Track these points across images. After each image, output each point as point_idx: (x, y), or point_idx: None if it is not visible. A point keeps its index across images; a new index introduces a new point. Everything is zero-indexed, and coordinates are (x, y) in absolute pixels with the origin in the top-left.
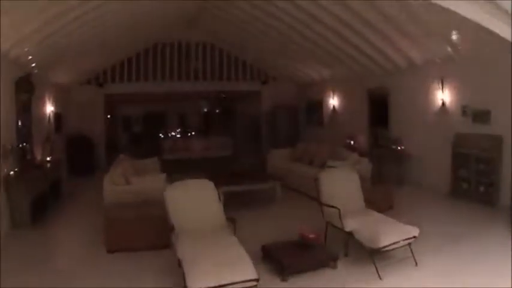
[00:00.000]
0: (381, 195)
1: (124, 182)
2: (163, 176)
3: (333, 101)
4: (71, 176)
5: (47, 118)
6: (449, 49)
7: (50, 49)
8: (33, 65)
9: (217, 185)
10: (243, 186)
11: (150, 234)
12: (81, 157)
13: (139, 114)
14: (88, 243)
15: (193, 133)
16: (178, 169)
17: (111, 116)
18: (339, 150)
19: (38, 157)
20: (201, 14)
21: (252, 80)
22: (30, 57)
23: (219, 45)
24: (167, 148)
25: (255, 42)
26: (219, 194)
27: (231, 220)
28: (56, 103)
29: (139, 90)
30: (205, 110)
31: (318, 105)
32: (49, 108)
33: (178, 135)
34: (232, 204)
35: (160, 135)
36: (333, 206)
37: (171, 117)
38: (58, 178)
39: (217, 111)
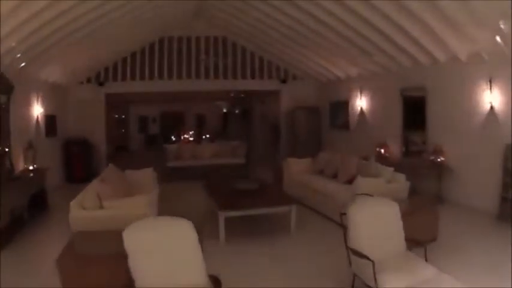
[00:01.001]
0: (422, 224)
1: (96, 205)
2: (145, 198)
3: (361, 102)
4: (67, 183)
5: (34, 121)
6: (500, 41)
7: (39, 45)
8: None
9: (218, 206)
10: (250, 211)
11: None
12: (79, 163)
13: (153, 114)
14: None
15: (207, 136)
16: (178, 180)
17: (118, 117)
18: (369, 164)
19: (19, 166)
20: (211, 4)
21: (270, 78)
22: (18, 55)
23: (233, 39)
24: (172, 154)
25: (273, 35)
26: (200, 240)
27: (215, 281)
28: (48, 104)
29: (145, 90)
30: (225, 110)
31: (343, 106)
32: (38, 110)
33: (191, 138)
34: (234, 234)
35: (173, 138)
36: (364, 256)
37: (188, 118)
38: (42, 189)
39: (236, 111)
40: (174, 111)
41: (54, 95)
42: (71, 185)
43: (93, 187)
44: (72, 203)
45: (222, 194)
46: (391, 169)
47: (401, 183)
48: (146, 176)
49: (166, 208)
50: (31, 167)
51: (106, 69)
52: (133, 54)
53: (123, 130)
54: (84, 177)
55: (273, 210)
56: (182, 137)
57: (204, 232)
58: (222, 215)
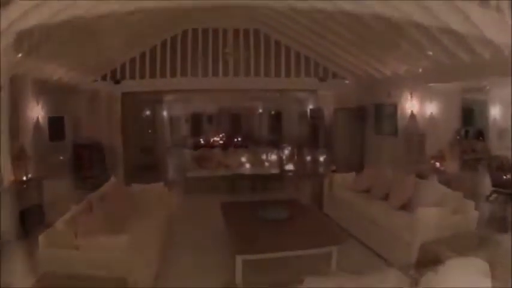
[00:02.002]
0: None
1: (70, 242)
2: (124, 238)
3: (411, 105)
4: (77, 192)
5: (32, 124)
6: None
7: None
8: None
9: (234, 246)
10: (276, 253)
11: None
12: (90, 168)
13: (185, 114)
14: None
15: (239, 139)
16: (200, 192)
17: (144, 117)
18: (430, 185)
19: (7, 178)
20: None
21: (307, 76)
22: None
23: (265, 31)
24: (193, 160)
25: (312, 27)
26: None
27: None
28: (53, 104)
29: (167, 88)
30: (261, 111)
31: (391, 109)
32: (37, 112)
33: (221, 141)
34: (254, 273)
35: (201, 140)
36: None
37: (222, 119)
38: (37, 204)
39: (272, 112)
40: (202, 112)
41: (61, 94)
42: (82, 194)
43: (72, 217)
44: (42, 237)
45: (241, 224)
46: (460, 195)
47: (470, 213)
48: (156, 191)
49: (178, 234)
50: (24, 178)
51: (123, 66)
52: (153, 49)
53: (149, 131)
54: (96, 183)
55: (309, 252)
56: (211, 140)
57: None
58: (239, 259)
